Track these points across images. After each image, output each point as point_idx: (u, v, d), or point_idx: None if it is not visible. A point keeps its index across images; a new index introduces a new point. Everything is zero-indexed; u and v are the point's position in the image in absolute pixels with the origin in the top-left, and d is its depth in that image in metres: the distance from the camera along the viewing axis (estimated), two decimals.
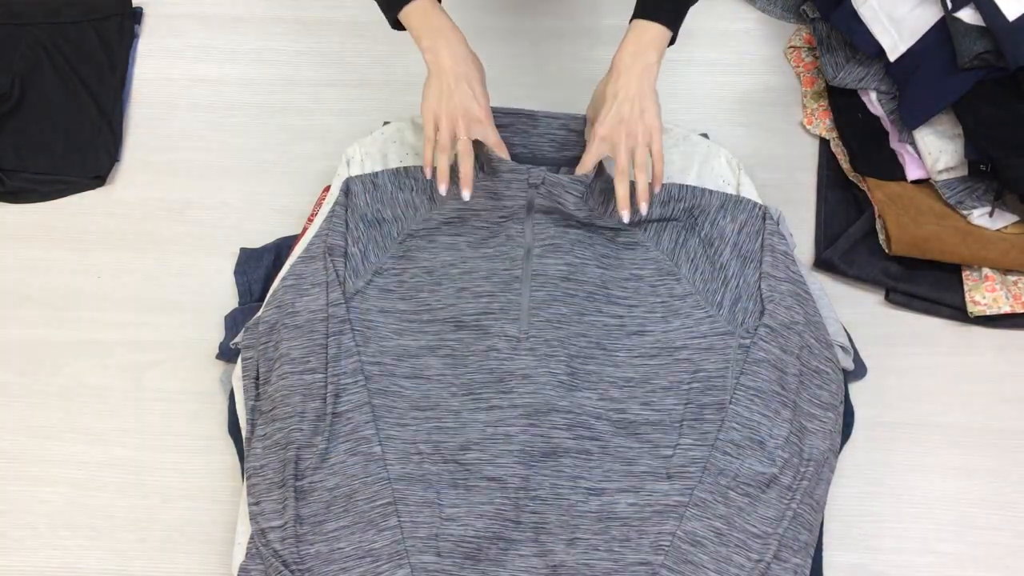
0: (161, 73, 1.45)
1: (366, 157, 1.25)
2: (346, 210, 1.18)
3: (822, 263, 1.28)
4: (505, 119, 1.21)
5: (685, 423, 1.08)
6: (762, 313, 1.11)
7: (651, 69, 1.05)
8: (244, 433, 1.12)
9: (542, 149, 1.20)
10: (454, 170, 1.14)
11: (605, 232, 1.16)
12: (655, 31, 1.05)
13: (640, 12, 1.07)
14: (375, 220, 1.18)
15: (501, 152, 1.11)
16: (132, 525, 1.17)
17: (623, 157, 1.05)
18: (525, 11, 1.48)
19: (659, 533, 1.03)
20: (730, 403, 1.07)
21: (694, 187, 1.19)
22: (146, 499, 1.18)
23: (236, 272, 1.29)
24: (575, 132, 1.21)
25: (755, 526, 1.03)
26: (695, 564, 1.02)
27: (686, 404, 1.09)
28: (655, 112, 1.05)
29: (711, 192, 1.18)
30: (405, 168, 1.21)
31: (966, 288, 1.24)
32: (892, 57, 1.23)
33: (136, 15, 1.48)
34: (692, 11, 1.10)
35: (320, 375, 1.09)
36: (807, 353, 1.11)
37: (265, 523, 1.05)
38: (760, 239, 1.16)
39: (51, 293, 1.31)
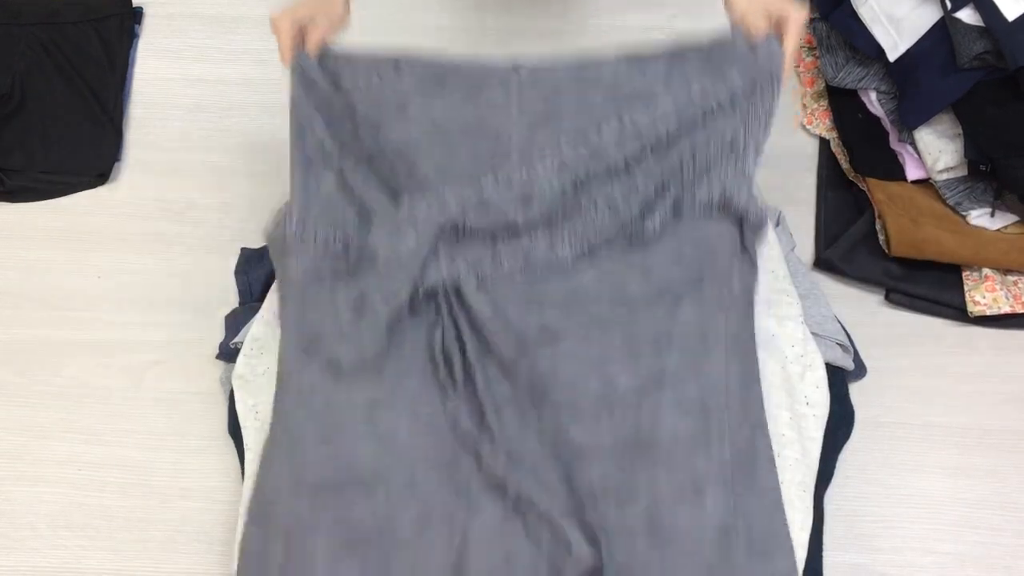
0: (161, 73, 1.45)
1: None
2: None
3: (822, 263, 1.28)
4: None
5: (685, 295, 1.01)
6: None
7: None
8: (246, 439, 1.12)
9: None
10: None
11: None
12: None
13: None
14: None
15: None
16: (132, 525, 1.17)
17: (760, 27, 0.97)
18: (523, 11, 1.48)
19: (657, 405, 0.97)
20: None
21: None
22: (146, 499, 1.18)
23: (236, 272, 1.29)
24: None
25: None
26: None
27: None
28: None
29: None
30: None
31: (966, 288, 1.24)
32: (892, 57, 1.23)
33: (136, 15, 1.48)
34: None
35: None
36: None
37: None
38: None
39: (51, 293, 1.31)
